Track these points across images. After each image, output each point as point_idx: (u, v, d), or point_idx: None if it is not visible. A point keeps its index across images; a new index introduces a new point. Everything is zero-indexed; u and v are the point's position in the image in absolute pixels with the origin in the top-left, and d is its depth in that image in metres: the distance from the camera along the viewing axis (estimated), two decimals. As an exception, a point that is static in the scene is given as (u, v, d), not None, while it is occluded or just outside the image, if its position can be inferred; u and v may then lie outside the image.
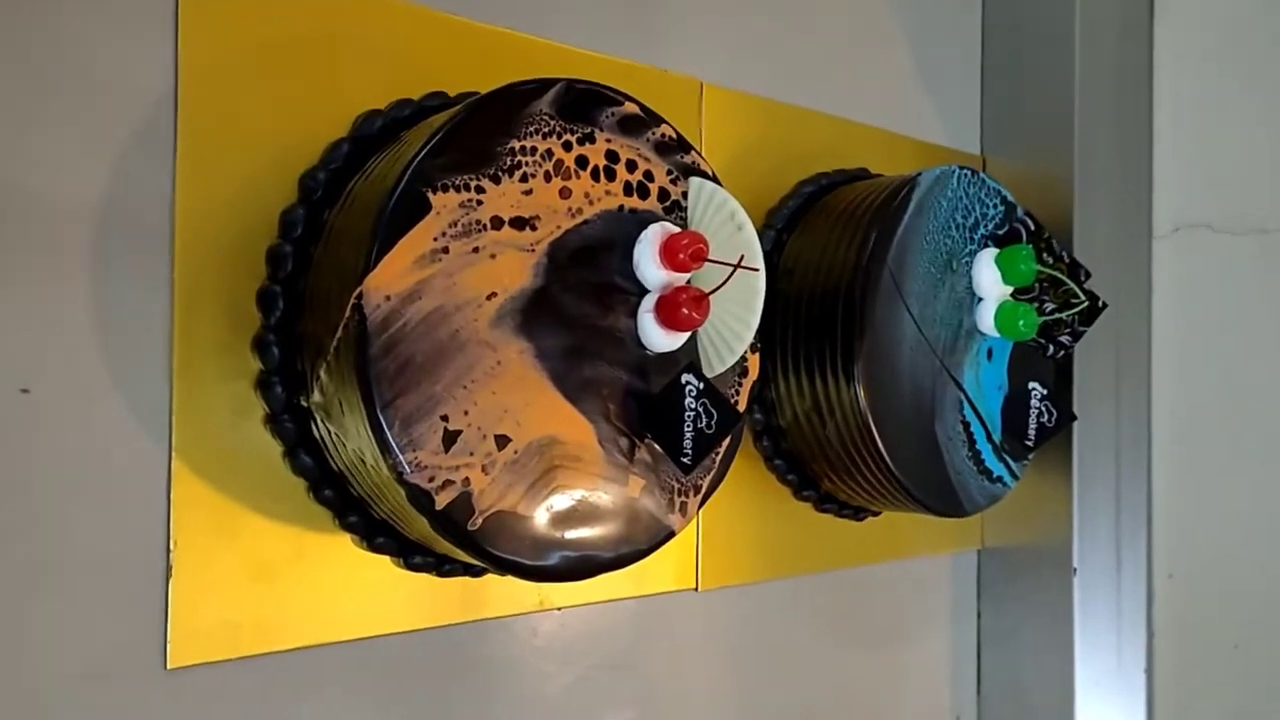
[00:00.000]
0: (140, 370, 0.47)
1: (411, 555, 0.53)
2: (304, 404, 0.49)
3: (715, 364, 0.54)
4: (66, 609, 0.45)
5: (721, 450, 0.54)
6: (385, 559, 0.53)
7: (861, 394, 0.65)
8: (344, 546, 0.53)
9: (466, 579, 0.56)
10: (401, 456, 0.44)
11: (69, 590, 0.45)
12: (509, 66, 0.60)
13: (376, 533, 0.52)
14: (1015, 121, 0.88)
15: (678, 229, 0.51)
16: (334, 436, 0.48)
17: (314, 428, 0.50)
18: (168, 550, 0.47)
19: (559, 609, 0.62)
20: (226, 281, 0.49)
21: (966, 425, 0.70)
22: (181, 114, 0.48)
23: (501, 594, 0.59)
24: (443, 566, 0.54)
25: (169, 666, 0.47)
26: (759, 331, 0.70)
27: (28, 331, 0.44)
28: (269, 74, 0.51)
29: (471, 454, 0.46)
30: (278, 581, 0.51)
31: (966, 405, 0.70)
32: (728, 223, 0.53)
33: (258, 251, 0.50)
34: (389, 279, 0.44)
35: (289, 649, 0.51)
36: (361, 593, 0.54)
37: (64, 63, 0.46)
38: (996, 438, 0.72)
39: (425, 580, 0.55)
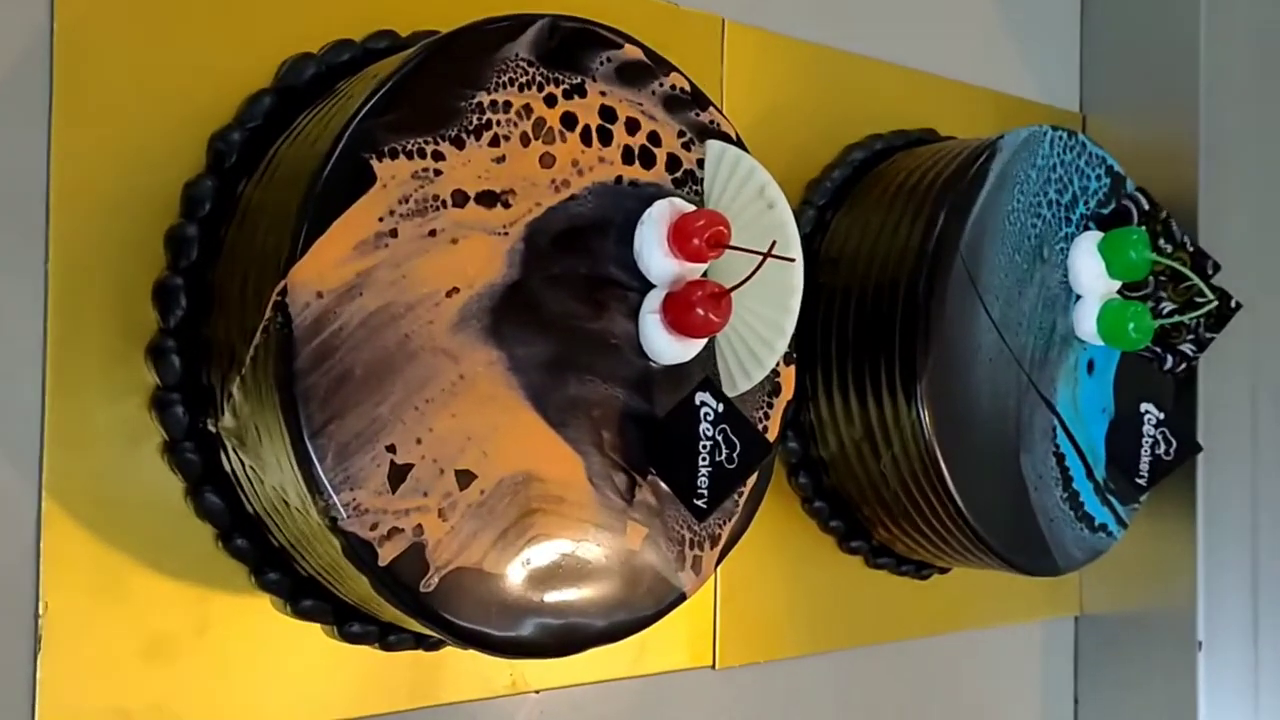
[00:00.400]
0: (3, 386, 0.47)
1: (348, 622, 0.53)
2: (211, 429, 0.49)
3: (739, 380, 0.53)
4: (-93, 691, 0.45)
5: (746, 490, 0.54)
6: (315, 626, 0.53)
7: (926, 418, 0.64)
8: (262, 610, 0.52)
9: (419, 653, 0.56)
10: (335, 498, 0.44)
11: (-90, 667, 0.45)
12: (484, 3, 0.60)
13: (303, 593, 0.52)
14: (1124, 73, 0.87)
15: (691, 207, 0.51)
16: (249, 470, 0.48)
17: (224, 459, 0.50)
18: (36, 617, 0.47)
19: (537, 692, 0.61)
20: (115, 272, 0.49)
21: (1061, 458, 0.70)
22: (57, 66, 0.48)
23: (464, 672, 0.58)
24: (387, 637, 0.54)
25: (37, 764, 0.47)
26: (795, 338, 0.70)
27: None
28: (170, 13, 0.51)
29: (425, 494, 0.46)
30: (177, 656, 0.50)
31: (1061, 432, 0.70)
32: (756, 199, 0.53)
33: (156, 235, 0.50)
34: (321, 270, 0.44)
35: (191, 742, 0.51)
36: (284, 671, 0.53)
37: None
38: (1099, 474, 0.71)
39: (366, 654, 0.55)
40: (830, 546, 0.73)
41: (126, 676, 0.49)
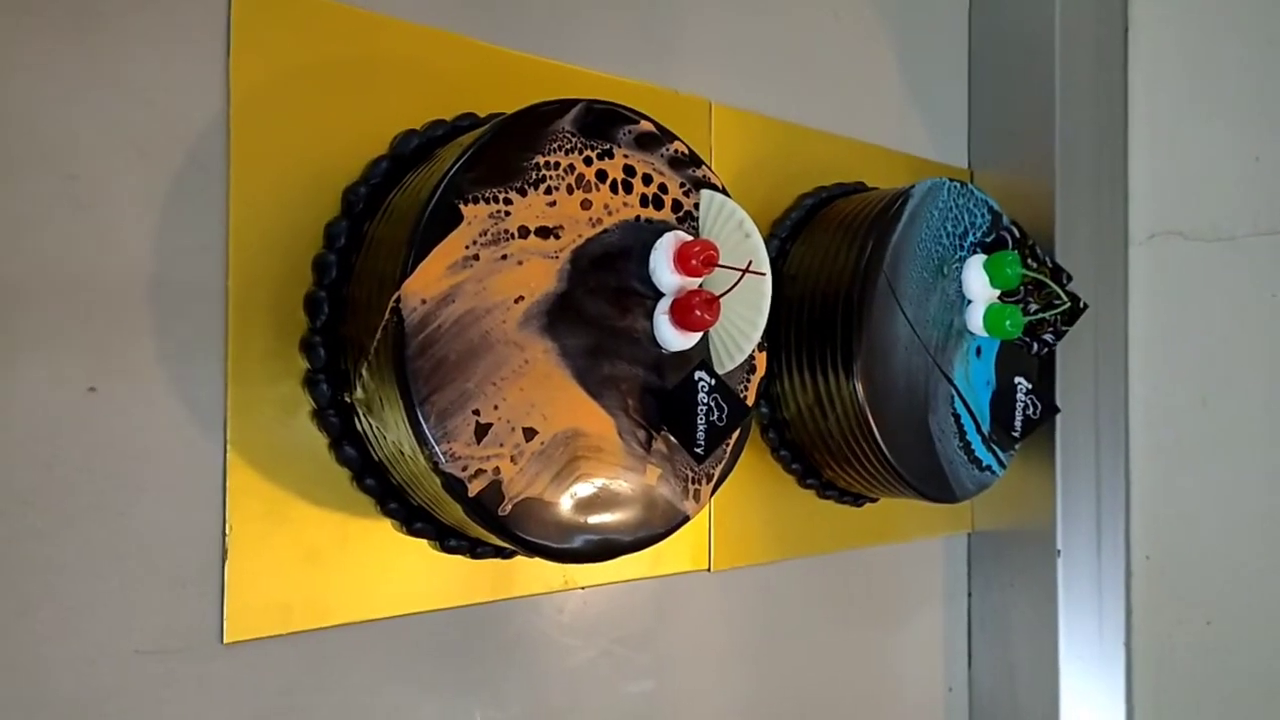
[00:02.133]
0: (197, 372, 0.47)
1: (447, 539, 0.53)
2: (347, 400, 0.49)
3: (725, 361, 0.53)
4: (131, 590, 0.45)
5: (732, 441, 0.54)
6: (423, 543, 0.53)
7: (860, 389, 0.64)
8: (385, 531, 0.52)
9: (497, 561, 0.56)
10: (437, 448, 0.44)
11: (133, 572, 0.45)
12: (534, 88, 0.59)
13: (415, 518, 0.52)
14: (1000, 137, 0.87)
15: (690, 237, 0.51)
16: (375, 430, 0.48)
17: (357, 421, 0.49)
18: (224, 535, 0.47)
19: (582, 588, 0.61)
20: (275, 290, 0.49)
21: (957, 418, 0.69)
22: (234, 134, 0.48)
23: (529, 575, 0.58)
24: (476, 549, 0.54)
25: (225, 641, 0.47)
26: (766, 331, 0.70)
27: (94, 335, 0.44)
28: (314, 96, 0.50)
29: (501, 445, 0.45)
30: (325, 564, 0.50)
31: (957, 399, 0.69)
32: (736, 231, 0.52)
33: (304, 261, 0.50)
34: (425, 284, 0.44)
35: (335, 625, 0.51)
36: (401, 574, 0.53)
37: (126, 89, 0.45)
38: (985, 429, 0.71)
39: (459, 562, 0.55)
40: (792, 483, 0.73)
41: (288, 579, 0.49)
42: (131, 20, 0.45)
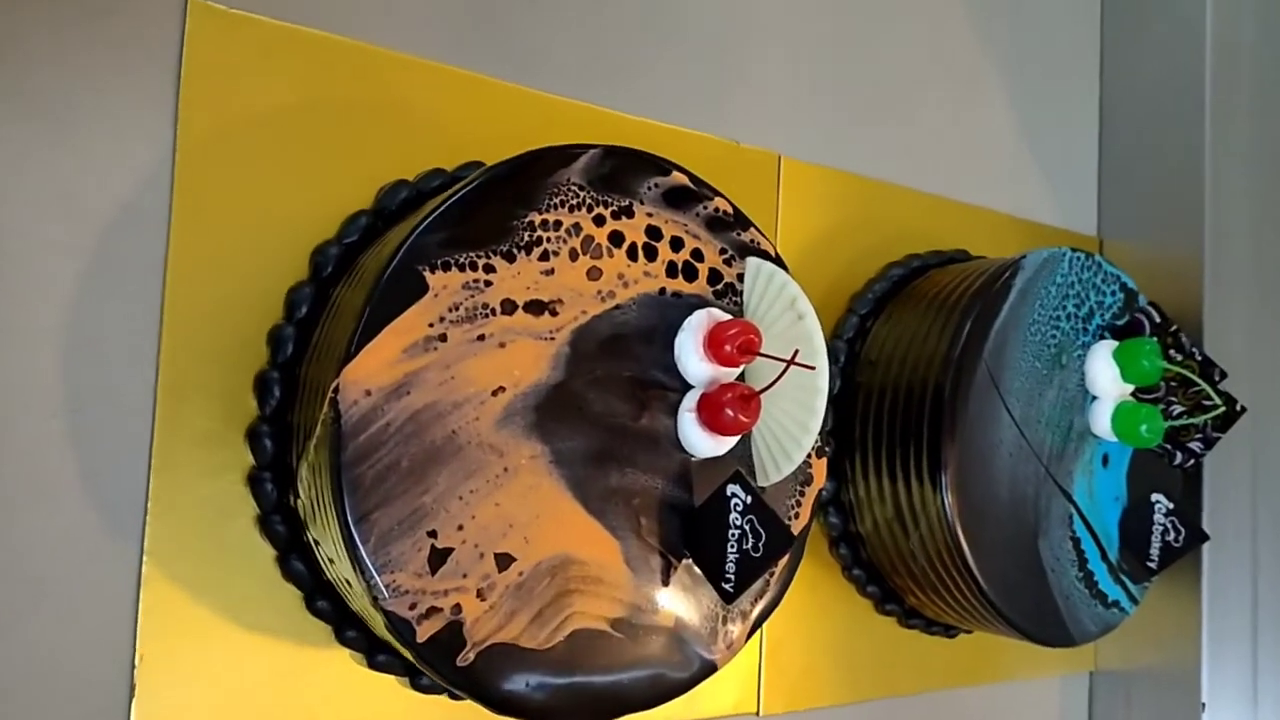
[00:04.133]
0: (114, 462, 0.39)
1: (418, 676, 0.44)
2: (293, 504, 0.40)
3: (770, 471, 0.43)
4: (12, 730, 0.37)
5: (776, 572, 0.43)
6: (390, 679, 0.44)
7: (950, 503, 0.52)
8: (343, 663, 0.43)
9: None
10: (378, 579, 0.35)
11: (22, 708, 0.37)
12: (563, 135, 0.51)
13: (379, 649, 0.43)
14: (1137, 200, 0.74)
15: (727, 316, 0.41)
16: (319, 547, 0.39)
17: (305, 532, 0.41)
18: (132, 667, 0.39)
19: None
20: (221, 365, 0.41)
21: (1077, 542, 0.57)
22: (178, 183, 0.41)
23: None
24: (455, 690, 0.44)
25: (132, 799, 0.39)
26: (837, 427, 0.59)
27: (-12, 417, 0.37)
28: (284, 140, 0.43)
29: (465, 576, 0.36)
30: (263, 704, 0.42)
31: (1077, 519, 0.57)
32: (788, 310, 0.42)
33: (260, 333, 0.42)
34: (371, 371, 0.35)
35: (275, 778, 0.42)
36: (362, 717, 0.44)
37: (55, 132, 0.39)
38: (1113, 557, 0.58)
39: (438, 703, 0.45)
40: (867, 608, 0.61)
41: (215, 720, 0.41)
42: (60, 50, 0.39)
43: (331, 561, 0.38)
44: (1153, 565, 0.58)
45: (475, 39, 0.48)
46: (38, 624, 0.38)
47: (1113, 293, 0.59)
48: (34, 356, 0.38)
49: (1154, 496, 0.58)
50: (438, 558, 0.36)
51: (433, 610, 0.35)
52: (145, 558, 0.39)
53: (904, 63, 0.65)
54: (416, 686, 0.44)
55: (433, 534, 0.36)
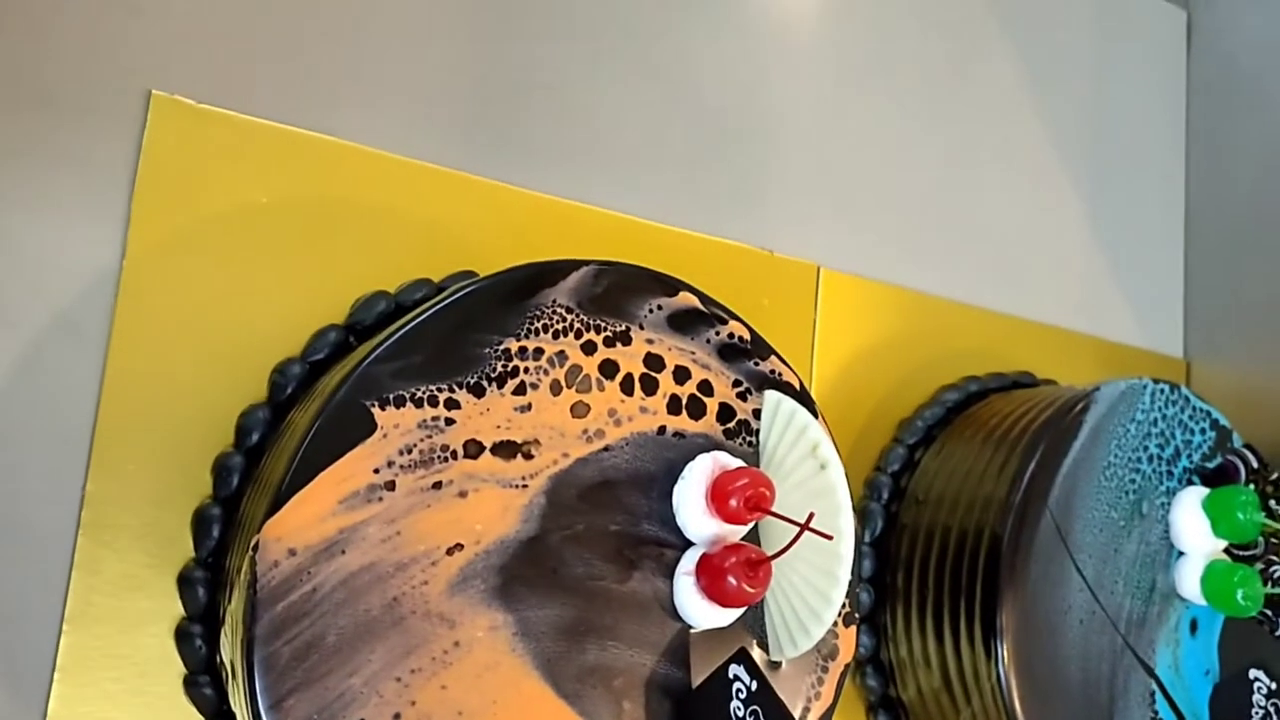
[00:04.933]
0: (21, 608, 0.34)
1: None
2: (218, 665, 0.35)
3: (786, 646, 0.36)
4: None
5: (788, 771, 0.36)
6: None
7: (1008, 676, 0.45)
8: None
9: None
10: (291, 781, 0.29)
11: None
12: (577, 245, 0.46)
13: (321, 836, 0.37)
14: (1230, 320, 0.66)
15: (737, 462, 0.35)
16: (241, 722, 0.33)
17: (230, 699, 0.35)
18: None
19: None
20: (157, 498, 0.36)
21: (1160, 726, 0.48)
22: (123, 289, 0.37)
23: None
24: None
25: None
26: (877, 572, 0.52)
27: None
28: (251, 246, 0.39)
29: (400, 779, 0.30)
30: None
31: (1160, 698, 0.49)
32: (809, 457, 0.36)
33: (206, 462, 0.37)
34: (298, 526, 0.30)
35: None
36: None
37: (-10, 227, 0.35)
38: (1204, 743, 0.49)
39: None
40: (911, 785, 0.53)
41: None
42: (10, 154, 0.35)
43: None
44: (1253, 756, 0.49)
45: (470, 136, 0.44)
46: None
47: (1202, 430, 0.51)
48: (-60, 485, 0.34)
49: (1252, 673, 0.50)
50: (367, 755, 0.30)
51: (357, 821, 0.29)
52: (48, 724, 0.34)
53: (960, 165, 0.60)
54: None
55: (362, 725, 0.30)
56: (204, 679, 0.36)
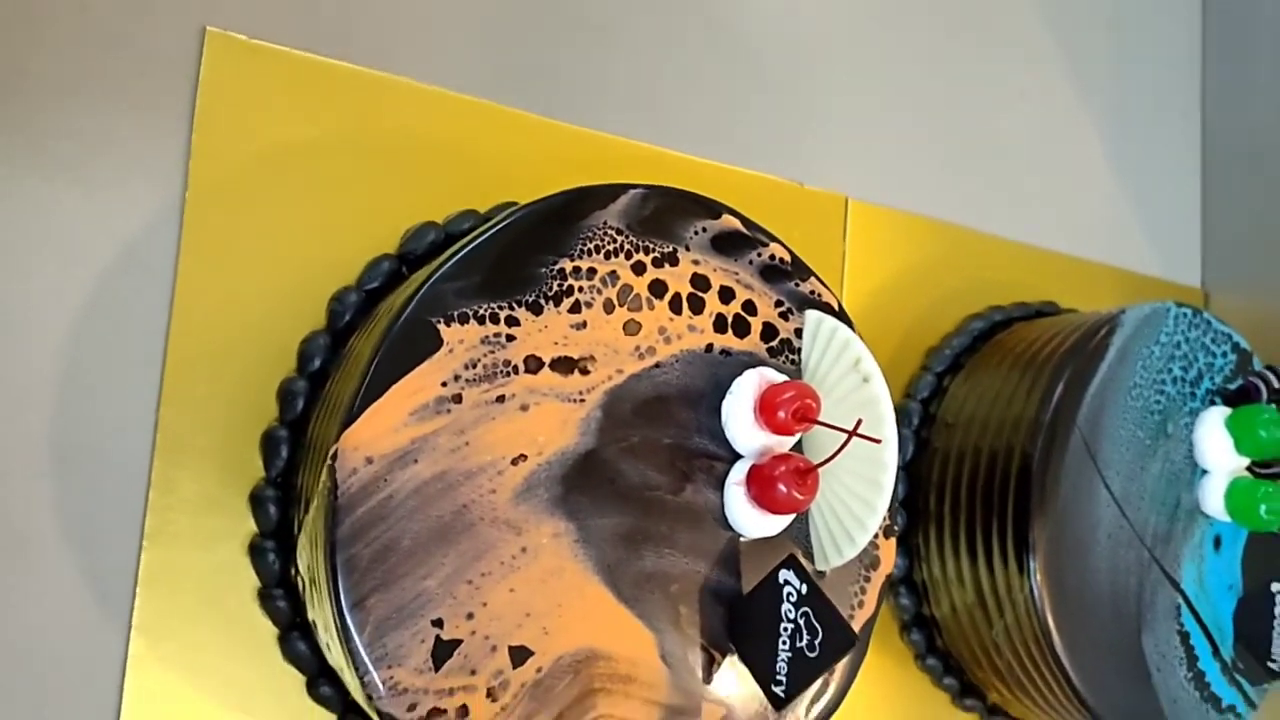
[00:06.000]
0: (104, 525, 0.36)
1: (433, 772, 0.39)
2: (294, 579, 0.37)
3: (831, 555, 0.38)
4: (-22, 825, 0.34)
5: (834, 675, 0.38)
6: (401, 774, 0.39)
7: (1040, 591, 0.47)
8: (349, 755, 0.39)
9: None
10: (375, 673, 0.30)
11: (-11, 798, 0.34)
12: (614, 176, 0.47)
13: (389, 741, 0.39)
14: (1247, 249, 0.67)
15: (782, 377, 0.36)
16: (318, 628, 0.35)
17: (308, 608, 0.37)
18: (113, 755, 0.35)
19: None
20: (226, 422, 0.38)
21: (1185, 637, 0.50)
22: (187, 224, 0.38)
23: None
24: (474, 788, 0.40)
25: None
26: (909, 495, 0.53)
27: (-32, 475, 0.34)
28: (303, 178, 0.40)
29: (473, 673, 0.32)
30: (258, 799, 0.38)
31: (1186, 611, 0.50)
32: (851, 372, 0.37)
33: (270, 387, 0.39)
34: (375, 435, 0.31)
35: None
36: (369, 814, 0.40)
37: (57, 168, 0.36)
38: (1226, 654, 0.51)
39: (453, 802, 0.41)
40: (944, 702, 0.55)
41: (205, 817, 0.37)
42: (64, 81, 0.36)
43: (328, 648, 0.34)
44: (1274, 666, 0.51)
45: (515, 71, 0.45)
46: (16, 705, 0.34)
47: (1224, 354, 0.53)
48: (22, 411, 0.35)
49: (1274, 586, 0.51)
50: (443, 651, 0.31)
51: (435, 712, 0.31)
52: (133, 634, 0.36)
53: (986, 98, 0.60)
54: (430, 784, 0.39)
55: (437, 623, 0.31)
56: (278, 592, 0.37)
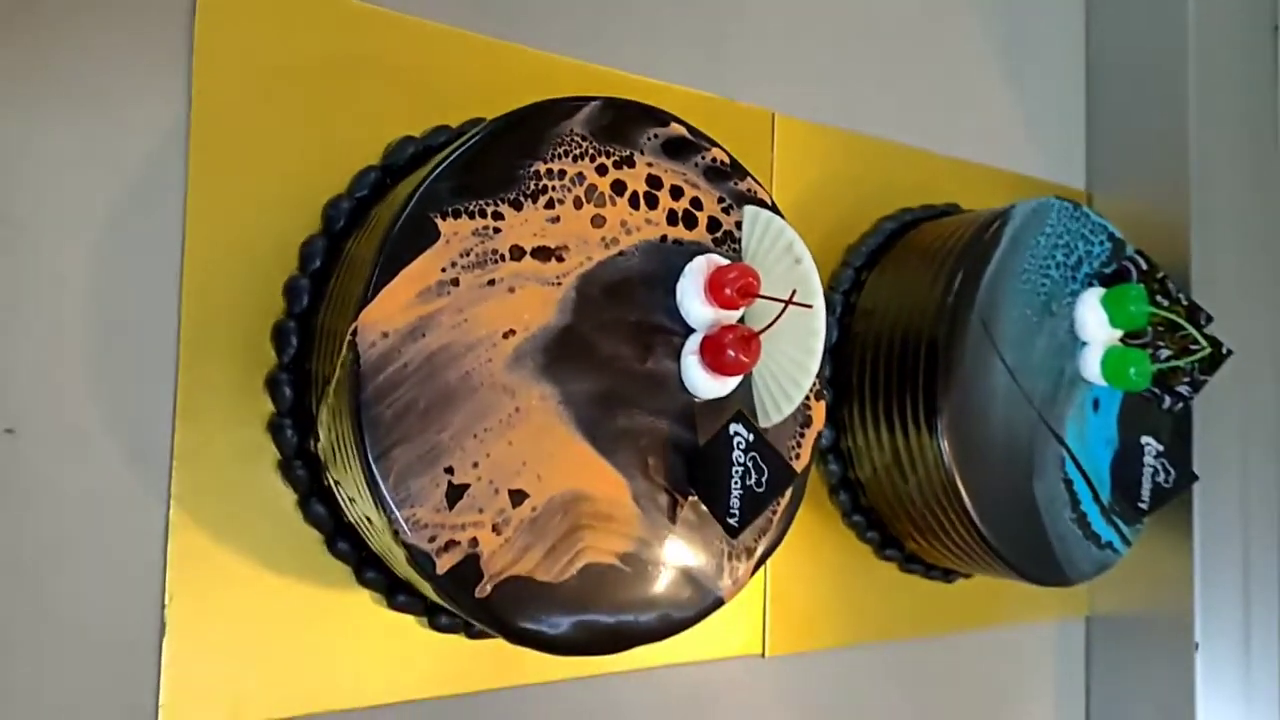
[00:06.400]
0: (140, 412, 0.41)
1: (437, 615, 0.45)
2: (314, 449, 0.42)
3: (772, 412, 0.44)
4: (50, 669, 0.39)
5: (780, 509, 0.45)
6: (409, 619, 0.46)
7: (946, 449, 0.54)
8: (363, 604, 0.45)
9: (500, 641, 0.47)
10: (398, 513, 0.36)
11: (53, 649, 0.39)
12: (565, 93, 0.52)
13: (398, 589, 0.45)
14: (1125, 154, 0.76)
15: (727, 262, 0.43)
16: (339, 488, 0.41)
17: (325, 474, 0.43)
18: (162, 607, 0.41)
19: (606, 675, 0.53)
20: (240, 317, 0.43)
21: (1070, 484, 0.58)
22: (193, 143, 0.42)
23: (540, 658, 0.50)
24: (473, 628, 0.46)
25: (164, 735, 0.40)
26: (835, 376, 0.60)
27: (15, 366, 0.39)
28: (295, 100, 0.44)
29: (481, 511, 0.38)
30: (287, 642, 0.43)
31: (1070, 462, 0.58)
32: (785, 255, 0.44)
33: (275, 285, 0.43)
34: (388, 313, 0.36)
35: (300, 717, 0.43)
36: (383, 655, 0.46)
37: (69, 92, 0.40)
38: (1105, 499, 0.60)
39: (454, 642, 0.47)
40: (867, 554, 0.63)
41: (241, 661, 0.42)
42: (84, 23, 0.40)
43: (353, 501, 0.39)
44: (1144, 506, 0.59)
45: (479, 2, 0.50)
46: (74, 566, 0.39)
47: (1100, 242, 0.60)
48: (60, 310, 0.39)
49: (1144, 439, 0.59)
50: (455, 493, 0.37)
51: (451, 544, 0.37)
52: (172, 504, 0.41)
53: (895, 20, 0.67)
54: (435, 626, 0.46)
55: (449, 470, 0.37)
56: (297, 463, 0.43)
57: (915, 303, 0.57)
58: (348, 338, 0.36)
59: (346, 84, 0.46)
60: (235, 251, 0.43)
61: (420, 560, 0.37)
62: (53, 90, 0.40)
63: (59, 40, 0.40)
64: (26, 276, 0.39)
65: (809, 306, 0.41)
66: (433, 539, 0.37)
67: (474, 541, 0.37)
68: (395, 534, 0.36)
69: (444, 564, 0.37)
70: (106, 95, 0.41)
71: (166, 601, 0.41)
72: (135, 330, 0.41)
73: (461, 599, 0.37)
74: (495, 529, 0.38)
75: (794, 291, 0.40)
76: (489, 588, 0.38)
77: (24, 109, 0.39)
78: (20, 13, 0.39)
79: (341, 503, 0.42)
